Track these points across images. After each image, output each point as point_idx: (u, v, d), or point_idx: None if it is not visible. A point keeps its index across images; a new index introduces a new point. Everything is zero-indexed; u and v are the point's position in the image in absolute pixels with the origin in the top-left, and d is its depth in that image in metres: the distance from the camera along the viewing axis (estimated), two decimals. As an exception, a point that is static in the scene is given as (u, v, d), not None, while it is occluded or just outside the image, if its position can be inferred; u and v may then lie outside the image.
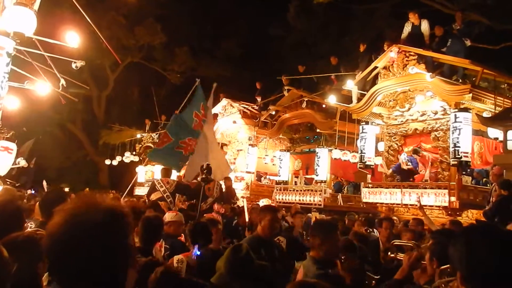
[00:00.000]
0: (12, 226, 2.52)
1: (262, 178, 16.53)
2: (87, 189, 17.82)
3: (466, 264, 1.33)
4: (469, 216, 9.26)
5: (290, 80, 14.58)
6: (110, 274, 1.18)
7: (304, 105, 13.64)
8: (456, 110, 9.09)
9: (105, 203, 1.22)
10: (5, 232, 2.24)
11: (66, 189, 18.41)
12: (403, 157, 10.64)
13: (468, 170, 9.99)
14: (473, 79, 9.83)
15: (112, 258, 1.18)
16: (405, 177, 10.46)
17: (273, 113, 15.24)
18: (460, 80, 9.73)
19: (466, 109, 9.08)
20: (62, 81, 6.09)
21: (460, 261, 1.35)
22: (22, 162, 10.75)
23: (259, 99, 16.06)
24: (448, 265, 2.36)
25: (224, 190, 10.59)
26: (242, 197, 14.23)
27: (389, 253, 3.44)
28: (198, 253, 3.82)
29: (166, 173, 8.08)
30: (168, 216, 4.71)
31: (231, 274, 2.63)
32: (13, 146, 6.77)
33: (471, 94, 8.97)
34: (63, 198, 3.48)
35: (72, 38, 6.03)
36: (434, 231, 3.85)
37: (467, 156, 8.87)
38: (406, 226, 6.62)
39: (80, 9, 6.35)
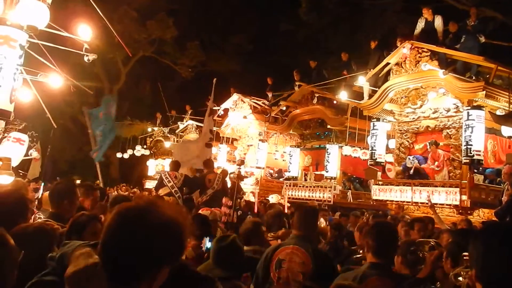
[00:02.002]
0: (16, 214, 2.54)
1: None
2: (98, 181, 17.95)
3: (482, 264, 1.31)
4: (480, 215, 9.17)
5: (301, 76, 14.53)
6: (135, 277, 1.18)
7: (315, 101, 13.60)
8: (469, 107, 8.95)
9: (170, 216, 1.22)
10: (9, 221, 2.26)
11: (78, 181, 18.60)
12: (408, 162, 10.56)
13: (480, 168, 9.87)
14: (487, 76, 9.69)
15: (146, 264, 1.18)
16: (417, 177, 10.39)
17: (284, 108, 15.21)
18: (474, 77, 9.59)
19: (479, 107, 8.94)
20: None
21: (476, 260, 1.34)
22: (34, 154, 10.86)
23: (270, 94, 16.05)
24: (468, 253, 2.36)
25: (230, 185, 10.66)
26: (252, 192, 14.27)
27: (418, 252, 3.38)
28: (208, 245, 3.85)
29: (174, 166, 8.02)
30: None
31: (214, 261, 2.67)
32: (25, 137, 6.85)
33: (484, 92, 8.83)
34: (72, 189, 3.52)
35: (84, 31, 6.05)
36: (453, 231, 3.80)
37: (479, 155, 8.75)
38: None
39: (92, 2, 6.38)
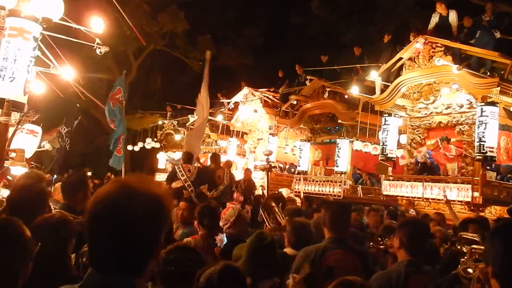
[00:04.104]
0: (36, 207, 2.57)
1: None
2: (109, 173, 18.12)
3: (501, 262, 1.30)
4: (492, 212, 9.08)
5: (304, 69, 14.54)
6: (135, 263, 1.19)
7: (326, 95, 13.53)
8: (483, 103, 8.86)
9: (151, 193, 1.21)
10: (30, 214, 2.29)
11: (89, 174, 18.78)
12: (419, 156, 10.46)
13: (493, 165, 9.78)
14: (502, 72, 9.57)
15: (143, 248, 1.19)
16: (426, 172, 10.35)
17: (295, 102, 15.16)
18: (488, 73, 9.48)
19: (493, 103, 8.84)
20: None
21: (494, 258, 1.32)
22: (47, 146, 10.97)
23: (281, 88, 16.00)
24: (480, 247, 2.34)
25: (243, 181, 10.69)
26: (262, 186, 14.28)
27: (456, 244, 3.33)
28: (225, 240, 3.86)
29: (187, 158, 7.97)
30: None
31: (254, 258, 2.63)
32: (38, 129, 6.92)
33: (499, 88, 8.72)
34: (84, 181, 3.57)
35: (97, 24, 6.07)
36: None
37: (492, 151, 8.67)
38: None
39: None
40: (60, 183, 4.29)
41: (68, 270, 2.21)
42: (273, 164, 15.20)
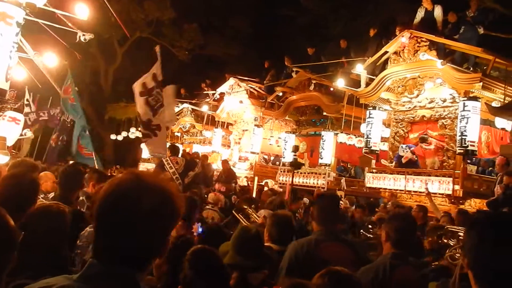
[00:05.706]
0: (28, 198, 2.52)
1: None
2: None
3: (474, 255, 1.31)
4: (472, 205, 9.28)
5: (292, 61, 14.53)
6: (139, 257, 1.18)
7: (311, 87, 13.57)
8: (465, 98, 9.00)
9: (162, 190, 1.20)
10: (20, 204, 2.26)
11: (71, 162, 18.54)
12: (401, 150, 10.57)
13: (474, 159, 9.95)
14: (484, 67, 9.70)
15: (147, 243, 1.17)
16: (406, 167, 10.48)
17: (280, 94, 15.18)
18: (471, 68, 9.61)
19: (475, 98, 8.99)
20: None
21: (470, 250, 1.33)
22: (29, 134, 10.81)
23: (267, 78, 15.97)
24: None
25: (222, 172, 10.71)
26: (246, 177, 14.32)
27: (443, 238, 3.38)
28: (200, 230, 3.87)
29: (174, 151, 7.91)
30: None
31: (242, 251, 2.63)
32: (20, 117, 6.81)
33: (481, 83, 8.86)
34: (82, 173, 3.56)
35: (82, 10, 5.97)
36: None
37: (473, 145, 8.83)
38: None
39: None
40: (46, 172, 4.25)
41: (67, 262, 2.20)
42: (238, 158, 15.37)
